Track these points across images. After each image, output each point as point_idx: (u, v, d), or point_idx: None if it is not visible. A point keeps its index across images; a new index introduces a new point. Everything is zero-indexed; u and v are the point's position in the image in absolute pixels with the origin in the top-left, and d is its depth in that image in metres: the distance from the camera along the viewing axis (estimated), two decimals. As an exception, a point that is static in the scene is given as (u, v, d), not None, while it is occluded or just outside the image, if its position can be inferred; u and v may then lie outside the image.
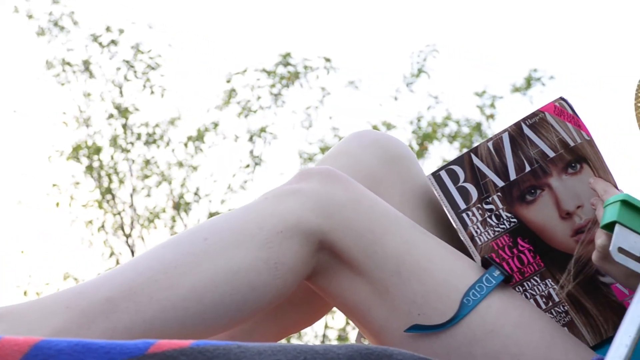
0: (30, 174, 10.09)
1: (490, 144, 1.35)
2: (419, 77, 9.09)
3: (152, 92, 8.78)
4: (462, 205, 1.35)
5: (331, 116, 9.13)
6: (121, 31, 8.85)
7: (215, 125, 8.57)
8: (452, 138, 9.24)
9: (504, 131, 1.35)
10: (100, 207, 8.46)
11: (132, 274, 1.17)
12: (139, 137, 8.71)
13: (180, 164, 8.60)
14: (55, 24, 9.01)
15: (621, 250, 1.15)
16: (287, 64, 8.78)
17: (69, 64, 8.85)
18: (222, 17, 11.63)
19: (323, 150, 8.95)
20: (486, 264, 1.30)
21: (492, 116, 8.89)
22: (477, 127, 9.12)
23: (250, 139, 8.58)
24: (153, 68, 8.63)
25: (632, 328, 1.14)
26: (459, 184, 1.35)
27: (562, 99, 1.35)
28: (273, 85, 8.69)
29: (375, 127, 8.80)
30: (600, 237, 1.18)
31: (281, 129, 9.58)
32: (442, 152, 10.96)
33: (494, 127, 9.33)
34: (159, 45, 9.70)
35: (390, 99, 9.22)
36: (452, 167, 1.35)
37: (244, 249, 1.20)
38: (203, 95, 11.34)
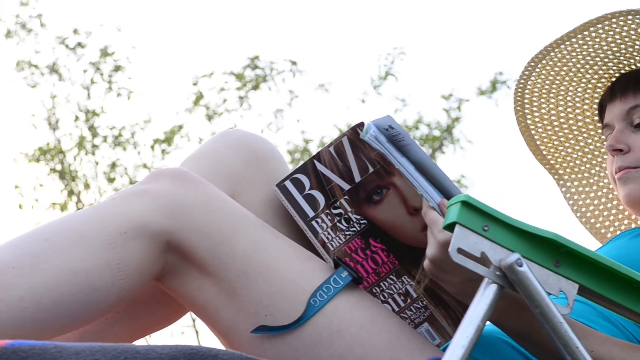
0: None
1: (331, 149, 1.35)
2: (386, 80, 9.10)
3: (119, 95, 8.76)
4: (311, 213, 1.35)
5: (299, 119, 9.15)
6: (88, 34, 8.83)
7: (180, 127, 8.55)
8: (424, 141, 9.25)
9: (343, 135, 1.35)
10: (64, 209, 8.42)
11: None
12: (105, 139, 8.69)
13: (145, 167, 8.58)
14: (23, 27, 8.97)
15: (460, 250, 1.15)
16: (255, 67, 8.79)
17: (35, 66, 8.82)
18: (192, 20, 11.61)
19: (290, 152, 8.95)
20: (337, 265, 1.31)
21: (457, 119, 8.91)
22: (449, 130, 9.14)
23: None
24: (116, 70, 8.60)
25: (470, 329, 1.14)
26: (305, 192, 1.35)
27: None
28: (240, 88, 8.69)
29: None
30: (430, 246, 1.19)
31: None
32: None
33: (462, 130, 9.37)
34: (126, 48, 9.69)
35: (358, 101, 9.24)
36: (296, 175, 1.35)
37: (85, 250, 1.20)
38: (172, 98, 11.34)
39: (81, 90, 8.81)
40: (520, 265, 1.15)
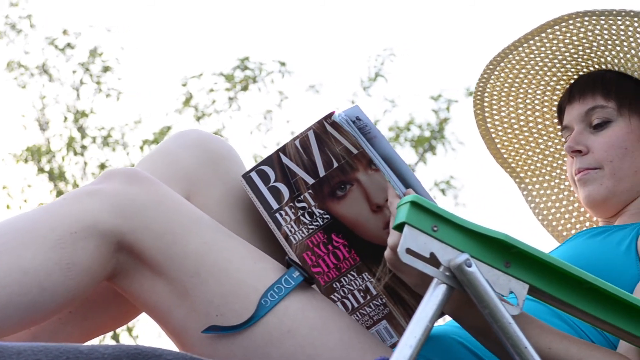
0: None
1: (297, 142, 1.36)
2: (376, 81, 9.10)
3: (109, 95, 8.75)
4: (275, 205, 1.36)
5: (289, 120, 9.14)
6: (78, 34, 8.82)
7: (168, 128, 8.55)
8: (416, 143, 9.24)
9: (309, 129, 1.36)
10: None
11: None
12: (94, 140, 8.69)
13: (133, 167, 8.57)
14: (13, 27, 8.96)
15: (409, 251, 1.15)
16: (245, 68, 8.78)
17: (25, 67, 8.80)
18: (183, 21, 11.61)
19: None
20: (289, 265, 1.31)
21: (446, 120, 8.91)
22: (440, 131, 9.14)
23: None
24: (105, 71, 8.59)
25: (418, 329, 1.14)
26: (270, 184, 1.36)
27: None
28: (229, 89, 8.68)
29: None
30: (392, 235, 1.19)
31: (238, 132, 9.60)
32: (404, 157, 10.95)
33: (453, 131, 9.36)
34: (116, 49, 9.66)
35: (348, 102, 9.24)
36: (262, 167, 1.36)
37: (34, 250, 1.20)
38: (162, 98, 11.34)
39: (71, 91, 8.81)
40: (469, 266, 1.15)
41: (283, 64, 8.65)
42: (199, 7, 11.99)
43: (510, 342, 1.15)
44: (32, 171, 8.57)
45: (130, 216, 1.24)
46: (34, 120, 8.76)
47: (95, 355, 1.01)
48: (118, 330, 7.94)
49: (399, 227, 1.16)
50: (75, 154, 8.57)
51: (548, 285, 1.19)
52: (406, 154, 9.55)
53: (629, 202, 1.54)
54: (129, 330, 8.18)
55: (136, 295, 1.27)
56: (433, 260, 1.15)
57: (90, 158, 8.64)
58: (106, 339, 7.99)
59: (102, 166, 8.62)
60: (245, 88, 8.69)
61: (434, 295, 1.16)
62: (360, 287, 1.36)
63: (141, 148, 8.68)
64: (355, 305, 1.37)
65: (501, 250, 1.18)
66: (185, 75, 8.73)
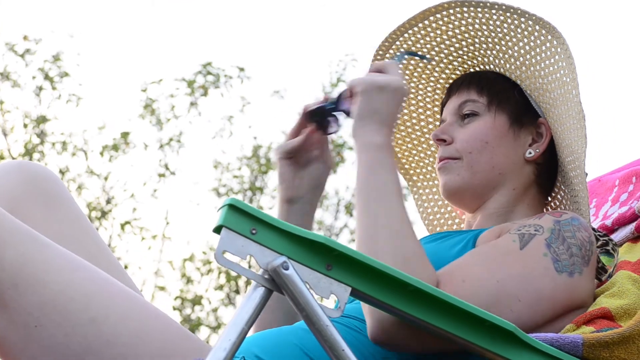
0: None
1: None
2: (338, 86, 9.10)
3: (69, 101, 8.71)
4: None
5: (250, 125, 9.15)
6: (37, 41, 8.77)
7: (127, 134, 8.52)
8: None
9: None
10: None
11: None
12: (53, 145, 8.65)
13: (93, 173, 8.53)
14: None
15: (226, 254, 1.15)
16: (208, 73, 8.76)
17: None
18: (150, 28, 11.60)
19: (240, 159, 8.94)
20: None
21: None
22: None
23: (161, 148, 8.55)
24: (62, 77, 8.55)
25: (233, 332, 1.14)
26: None
27: None
28: (189, 94, 8.66)
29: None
30: None
31: (198, 138, 9.60)
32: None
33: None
34: (76, 54, 9.63)
35: (309, 108, 9.22)
36: None
37: None
38: (125, 104, 11.32)
39: (33, 96, 8.77)
40: (287, 269, 1.15)
41: (242, 69, 8.64)
42: (162, 13, 11.99)
43: (328, 345, 1.16)
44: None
45: None
46: (4, 128, 8.72)
47: None
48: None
49: (218, 231, 1.16)
50: (31, 159, 8.52)
51: (371, 288, 1.20)
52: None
53: (484, 196, 1.54)
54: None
55: None
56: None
57: (47, 164, 8.59)
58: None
59: (61, 172, 8.58)
60: (205, 94, 8.67)
61: (251, 299, 1.16)
62: None
63: (101, 154, 8.65)
64: None
65: (322, 253, 1.18)
66: (145, 81, 8.71)
